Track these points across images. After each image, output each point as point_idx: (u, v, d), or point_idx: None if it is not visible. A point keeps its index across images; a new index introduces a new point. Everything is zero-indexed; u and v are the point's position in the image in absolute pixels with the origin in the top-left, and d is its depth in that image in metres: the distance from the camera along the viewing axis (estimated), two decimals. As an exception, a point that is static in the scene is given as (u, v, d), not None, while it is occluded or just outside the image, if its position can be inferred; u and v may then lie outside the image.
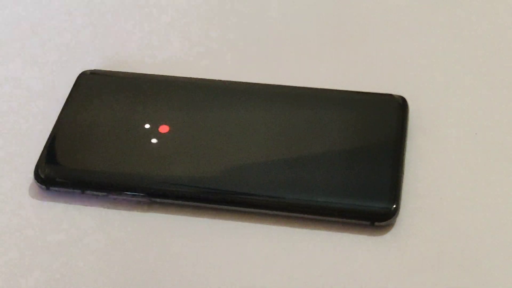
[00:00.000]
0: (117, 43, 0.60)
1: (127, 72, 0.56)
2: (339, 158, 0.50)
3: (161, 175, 0.50)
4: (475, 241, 0.47)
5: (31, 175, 0.51)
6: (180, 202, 0.50)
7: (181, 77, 0.56)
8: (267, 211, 0.49)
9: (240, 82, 0.55)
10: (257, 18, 0.60)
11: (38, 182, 0.51)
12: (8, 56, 0.60)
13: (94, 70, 0.57)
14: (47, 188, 0.51)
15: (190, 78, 0.56)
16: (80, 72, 0.56)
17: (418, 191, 0.49)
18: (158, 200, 0.50)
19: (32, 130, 0.54)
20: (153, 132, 0.52)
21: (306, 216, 0.48)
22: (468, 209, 0.49)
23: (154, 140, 0.52)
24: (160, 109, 0.54)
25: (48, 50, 0.60)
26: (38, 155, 0.52)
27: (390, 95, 0.53)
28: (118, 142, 0.52)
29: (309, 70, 0.56)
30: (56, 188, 0.51)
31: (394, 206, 0.48)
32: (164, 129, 0.52)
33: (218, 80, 0.55)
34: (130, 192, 0.50)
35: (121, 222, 0.50)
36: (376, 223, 0.48)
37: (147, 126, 0.53)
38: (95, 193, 0.50)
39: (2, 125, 0.55)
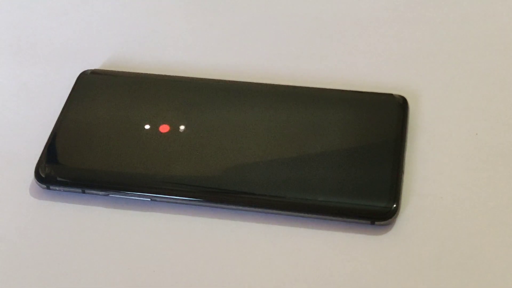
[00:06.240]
0: (117, 42, 0.60)
1: (127, 72, 0.56)
2: (340, 157, 0.50)
3: (162, 175, 0.50)
4: (475, 241, 0.47)
5: (31, 174, 0.51)
6: (180, 201, 0.50)
7: (181, 77, 0.56)
8: (267, 210, 0.49)
9: (240, 81, 0.55)
10: (257, 17, 0.61)
11: (38, 181, 0.51)
12: (8, 55, 0.60)
13: (94, 70, 0.57)
14: (48, 188, 0.51)
15: (190, 78, 0.56)
16: (80, 72, 0.56)
17: (418, 191, 0.49)
18: (158, 199, 0.50)
19: (33, 130, 0.54)
20: (153, 131, 0.52)
21: (306, 215, 0.48)
22: (468, 209, 0.49)
23: (154, 140, 0.52)
24: (160, 108, 0.54)
25: (48, 50, 0.60)
26: (38, 155, 0.52)
27: (391, 94, 0.53)
28: (118, 142, 0.52)
29: (309, 70, 0.56)
30: (57, 188, 0.51)
31: (394, 205, 0.48)
32: (164, 128, 0.52)
33: (219, 80, 0.55)
34: (131, 191, 0.50)
35: (122, 222, 0.50)
36: (376, 222, 0.48)
37: (147, 125, 0.53)
38: (95, 192, 0.50)
39: (2, 125, 0.55)
